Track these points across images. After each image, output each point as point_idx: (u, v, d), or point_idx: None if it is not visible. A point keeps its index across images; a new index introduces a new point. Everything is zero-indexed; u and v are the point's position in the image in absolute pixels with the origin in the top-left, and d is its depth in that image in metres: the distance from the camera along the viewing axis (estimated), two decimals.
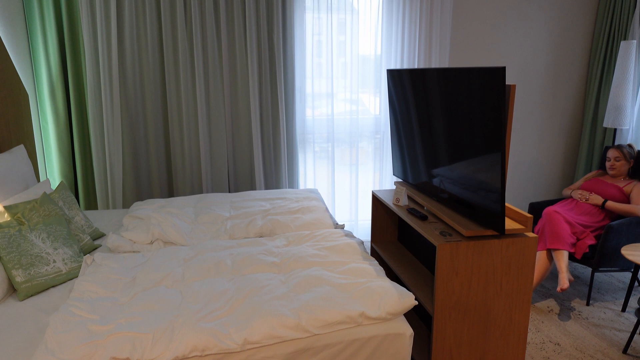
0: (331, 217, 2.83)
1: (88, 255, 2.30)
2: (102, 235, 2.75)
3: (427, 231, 2.31)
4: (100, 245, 2.59)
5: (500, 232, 2.11)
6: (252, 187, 3.72)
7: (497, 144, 2.01)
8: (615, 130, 3.80)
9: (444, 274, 2.16)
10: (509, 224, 2.24)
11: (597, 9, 4.11)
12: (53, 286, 2.13)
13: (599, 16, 4.05)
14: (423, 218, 2.47)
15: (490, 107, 2.02)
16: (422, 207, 2.71)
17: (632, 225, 3.12)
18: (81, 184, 3.51)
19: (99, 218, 3.05)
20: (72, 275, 2.20)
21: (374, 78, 3.86)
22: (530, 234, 2.22)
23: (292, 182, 3.82)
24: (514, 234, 2.22)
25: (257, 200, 3.10)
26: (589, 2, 4.09)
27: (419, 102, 2.67)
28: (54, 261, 2.15)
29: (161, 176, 3.62)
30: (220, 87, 3.54)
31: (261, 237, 2.64)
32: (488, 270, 2.21)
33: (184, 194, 3.62)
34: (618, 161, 3.26)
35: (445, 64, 3.82)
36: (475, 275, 2.20)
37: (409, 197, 2.87)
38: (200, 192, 3.64)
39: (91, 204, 3.60)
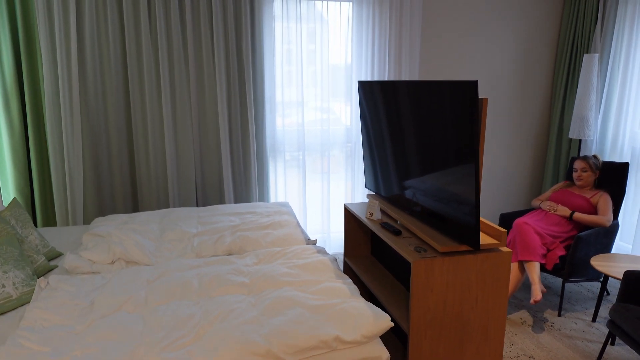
0: (303, 232, 2.75)
1: (42, 278, 2.14)
2: (59, 255, 2.58)
3: (402, 247, 2.26)
4: (56, 266, 2.42)
5: (476, 247, 2.08)
6: (221, 200, 3.60)
7: (471, 157, 1.98)
8: (580, 141, 3.88)
9: (419, 291, 2.11)
10: (483, 239, 2.21)
11: (561, 23, 4.21)
12: (2, 313, 1.96)
13: (562, 30, 4.15)
14: (397, 233, 2.42)
15: (463, 120, 1.99)
16: (396, 221, 2.67)
17: (600, 236, 3.17)
18: (38, 199, 3.31)
19: (57, 236, 2.87)
20: (23, 301, 2.03)
21: (345, 87, 3.82)
22: (505, 249, 2.20)
23: (263, 194, 3.72)
24: (489, 249, 2.20)
25: (226, 214, 2.99)
26: (553, 16, 4.19)
27: (391, 114, 2.64)
28: (3, 286, 1.99)
29: (125, 189, 3.45)
30: (187, 97, 3.42)
31: (230, 254, 2.53)
32: (463, 285, 2.17)
33: (150, 208, 3.47)
34: (585, 172, 3.31)
35: (415, 74, 3.82)
36: (450, 291, 2.16)
37: (382, 211, 2.83)
38: (167, 205, 3.49)
39: (50, 221, 3.40)
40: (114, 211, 3.46)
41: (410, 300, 2.10)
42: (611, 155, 3.81)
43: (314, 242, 2.63)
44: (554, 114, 4.25)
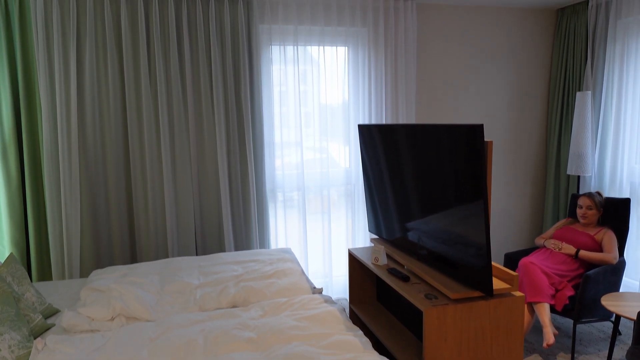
0: (308, 280, 2.68)
1: (39, 338, 2.05)
2: (56, 312, 2.49)
3: (411, 294, 2.20)
4: (53, 325, 2.33)
5: (489, 293, 2.03)
6: (221, 247, 3.53)
7: (479, 198, 1.96)
8: (578, 177, 3.89)
9: (433, 341, 2.04)
10: (496, 284, 2.16)
11: (551, 62, 4.31)
12: None
13: (554, 69, 4.24)
14: (405, 279, 2.37)
15: (470, 162, 1.98)
16: (403, 266, 2.62)
17: (608, 274, 3.12)
18: (34, 251, 3.23)
19: (54, 291, 2.78)
20: None
21: (343, 128, 3.84)
22: (517, 293, 2.15)
23: (263, 238, 3.66)
24: (501, 294, 2.14)
25: (228, 263, 2.92)
26: (543, 56, 4.29)
27: (394, 157, 2.63)
28: None
29: (123, 239, 3.38)
30: (186, 145, 3.41)
31: (234, 306, 2.45)
32: (477, 333, 2.10)
33: (148, 258, 3.39)
34: (590, 210, 3.29)
35: (412, 115, 3.85)
36: (464, 339, 2.09)
37: (388, 255, 2.77)
38: (166, 254, 3.42)
39: (45, 274, 3.30)
40: (112, 262, 3.37)
41: (424, 350, 2.03)
42: (610, 191, 3.82)
43: (320, 291, 2.56)
44: (550, 151, 4.28)
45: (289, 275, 2.67)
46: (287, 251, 3.16)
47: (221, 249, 3.54)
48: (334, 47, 3.74)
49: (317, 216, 3.86)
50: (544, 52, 4.29)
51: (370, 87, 3.76)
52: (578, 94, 3.71)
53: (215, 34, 3.35)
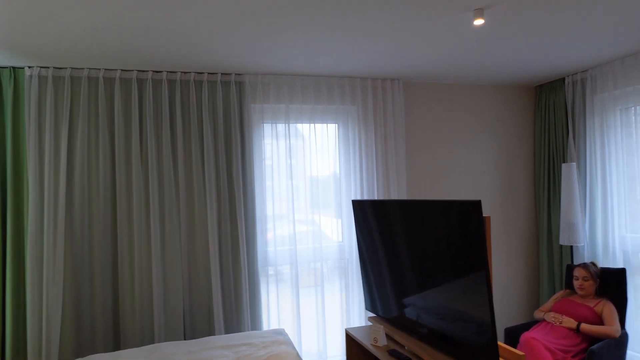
0: None
1: None
2: None
3: None
4: None
5: None
6: (211, 330, 3.36)
7: (480, 271, 1.92)
8: (571, 247, 3.89)
9: None
10: None
11: (534, 135, 4.46)
12: None
13: (537, 142, 4.38)
14: None
15: (469, 237, 1.96)
16: (403, 346, 2.50)
17: (612, 348, 3.03)
18: (9, 337, 3.03)
19: None
20: None
21: (335, 202, 3.83)
22: None
23: (255, 317, 3.51)
24: None
25: (219, 348, 2.76)
26: (527, 129, 4.45)
27: (389, 233, 2.61)
28: None
29: (107, 323, 3.21)
30: (176, 222, 3.35)
31: None
32: None
33: (133, 343, 3.20)
34: (586, 281, 3.26)
35: (403, 189, 3.88)
36: None
37: (387, 335, 2.66)
38: (152, 340, 3.24)
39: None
40: (93, 348, 3.18)
41: None
42: (604, 261, 3.81)
43: None
44: (540, 222, 4.31)
45: (284, 359, 2.53)
46: (280, 332, 3.02)
47: (211, 331, 3.38)
48: (325, 125, 3.84)
49: (311, 291, 3.75)
50: (527, 126, 4.45)
51: (361, 162, 3.82)
52: (563, 165, 3.80)
53: (207, 114, 3.43)
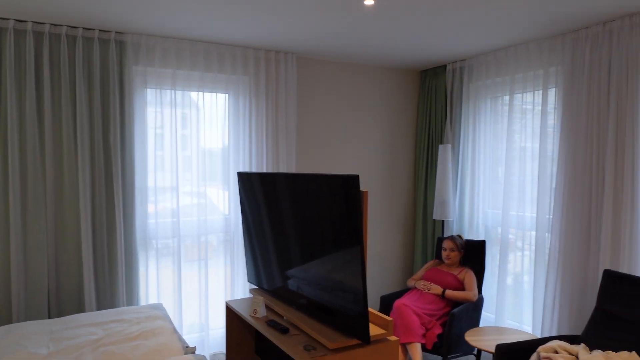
0: (180, 339, 2.47)
1: None
2: None
3: (290, 346, 2.13)
4: None
5: (366, 341, 2.05)
6: (81, 307, 3.12)
7: (356, 245, 2.01)
8: (443, 221, 4.25)
9: None
10: (372, 330, 2.20)
11: (417, 117, 4.75)
12: None
13: (419, 123, 4.66)
14: (284, 331, 2.30)
15: (347, 211, 2.03)
16: (282, 317, 2.55)
17: (470, 310, 3.39)
18: None
19: None
20: None
21: (222, 173, 3.74)
22: (392, 338, 2.21)
23: (132, 294, 3.33)
24: (378, 340, 2.18)
25: (86, 326, 2.57)
26: (411, 111, 4.71)
27: (273, 205, 2.61)
28: None
29: None
30: (41, 191, 3.02)
31: None
32: None
33: None
34: (453, 251, 3.59)
35: (292, 163, 3.91)
36: None
37: (267, 307, 2.69)
38: (9, 320, 2.92)
39: None
40: None
41: None
42: (469, 234, 4.22)
43: (193, 350, 2.37)
44: (418, 198, 4.63)
45: (158, 335, 2.44)
46: (157, 307, 2.90)
47: (80, 309, 3.14)
48: (215, 94, 3.69)
49: (194, 264, 3.65)
50: (411, 108, 4.71)
51: (251, 134, 3.76)
52: (440, 146, 4.10)
53: (82, 73, 3.10)
